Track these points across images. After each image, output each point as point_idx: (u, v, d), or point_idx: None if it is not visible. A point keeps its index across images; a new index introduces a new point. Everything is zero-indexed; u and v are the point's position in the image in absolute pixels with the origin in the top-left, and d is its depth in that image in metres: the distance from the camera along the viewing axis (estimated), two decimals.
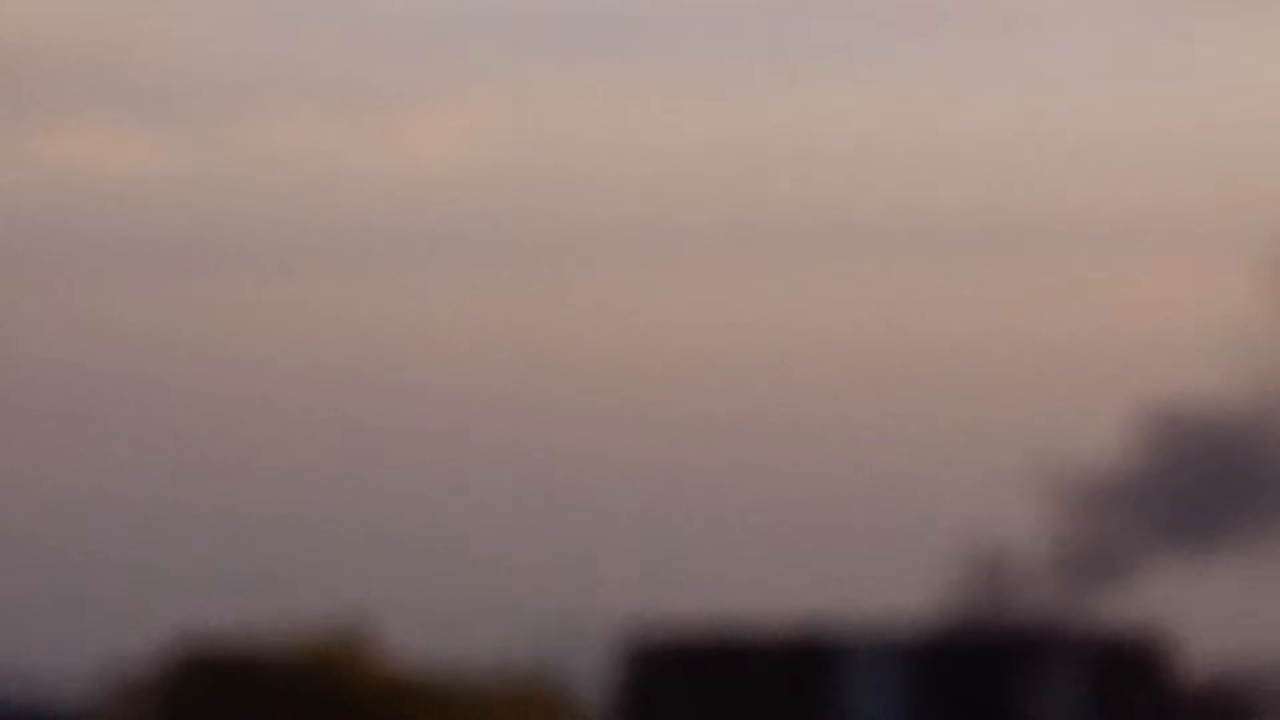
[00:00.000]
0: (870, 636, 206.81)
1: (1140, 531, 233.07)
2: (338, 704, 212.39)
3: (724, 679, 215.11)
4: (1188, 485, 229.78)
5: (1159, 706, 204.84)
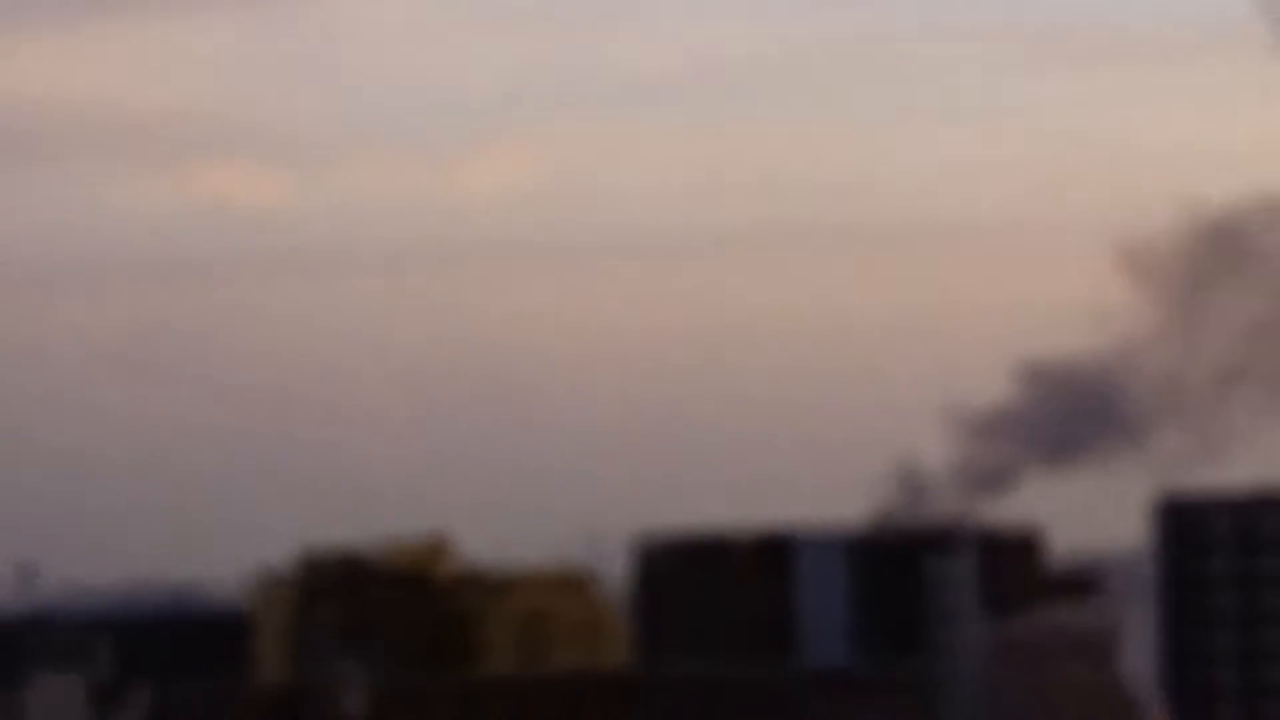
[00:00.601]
0: (818, 533, 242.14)
1: (1017, 453, 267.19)
2: (425, 591, 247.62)
3: (708, 567, 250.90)
4: (1052, 419, 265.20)
5: (1032, 584, 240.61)
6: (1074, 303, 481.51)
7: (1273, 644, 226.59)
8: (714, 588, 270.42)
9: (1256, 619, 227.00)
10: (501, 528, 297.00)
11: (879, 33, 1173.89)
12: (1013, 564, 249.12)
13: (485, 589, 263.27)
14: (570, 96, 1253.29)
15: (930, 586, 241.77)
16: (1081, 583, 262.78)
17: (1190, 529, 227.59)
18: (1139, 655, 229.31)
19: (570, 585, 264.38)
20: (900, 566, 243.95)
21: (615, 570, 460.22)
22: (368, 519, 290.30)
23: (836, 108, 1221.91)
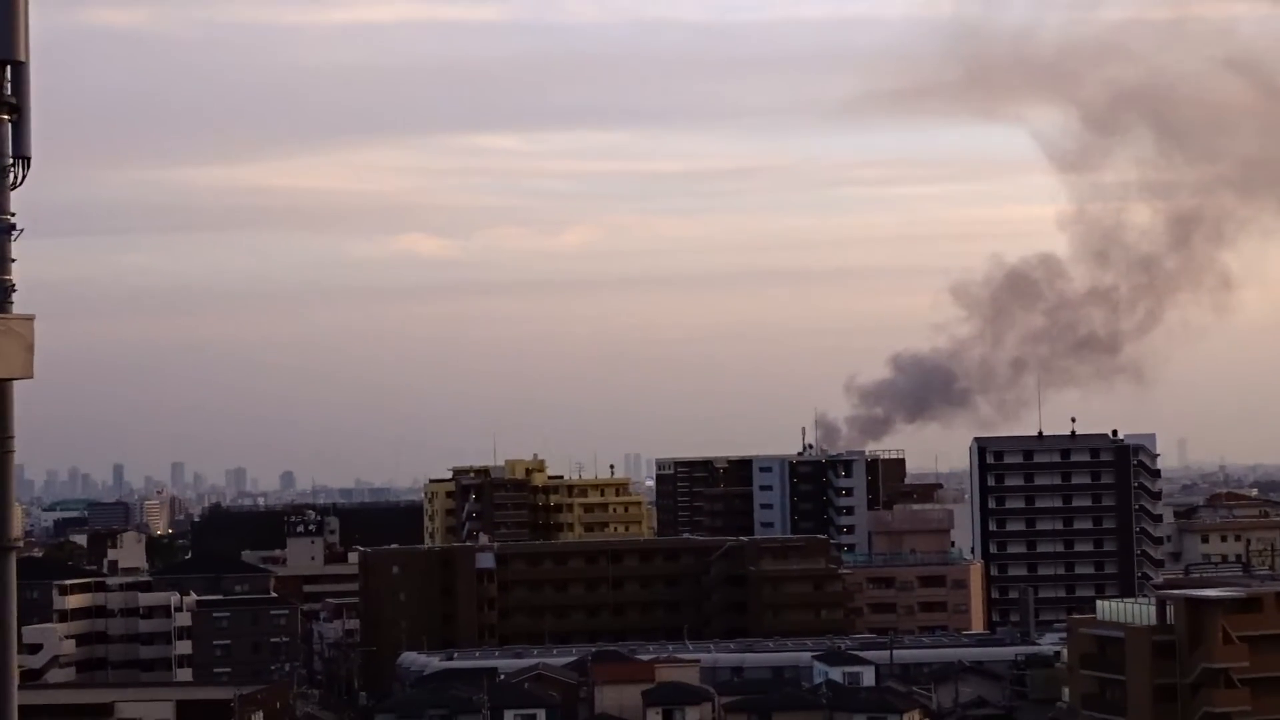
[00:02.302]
0: (770, 459, 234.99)
1: (892, 410, 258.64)
2: (531, 489, 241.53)
3: (702, 479, 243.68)
4: (914, 389, 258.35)
5: (898, 490, 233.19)
6: (928, 320, 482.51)
7: (1048, 529, 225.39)
8: (703, 491, 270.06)
9: (1035, 513, 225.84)
10: (576, 453, 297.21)
11: (813, 159, 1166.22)
12: (888, 479, 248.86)
13: (566, 489, 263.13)
14: (620, 194, 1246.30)
15: (834, 493, 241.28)
16: (924, 490, 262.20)
17: (994, 459, 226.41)
18: (963, 534, 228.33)
19: (617, 488, 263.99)
20: (817, 482, 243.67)
21: (644, 480, 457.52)
22: (495, 448, 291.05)
23: (784, 198, 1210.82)
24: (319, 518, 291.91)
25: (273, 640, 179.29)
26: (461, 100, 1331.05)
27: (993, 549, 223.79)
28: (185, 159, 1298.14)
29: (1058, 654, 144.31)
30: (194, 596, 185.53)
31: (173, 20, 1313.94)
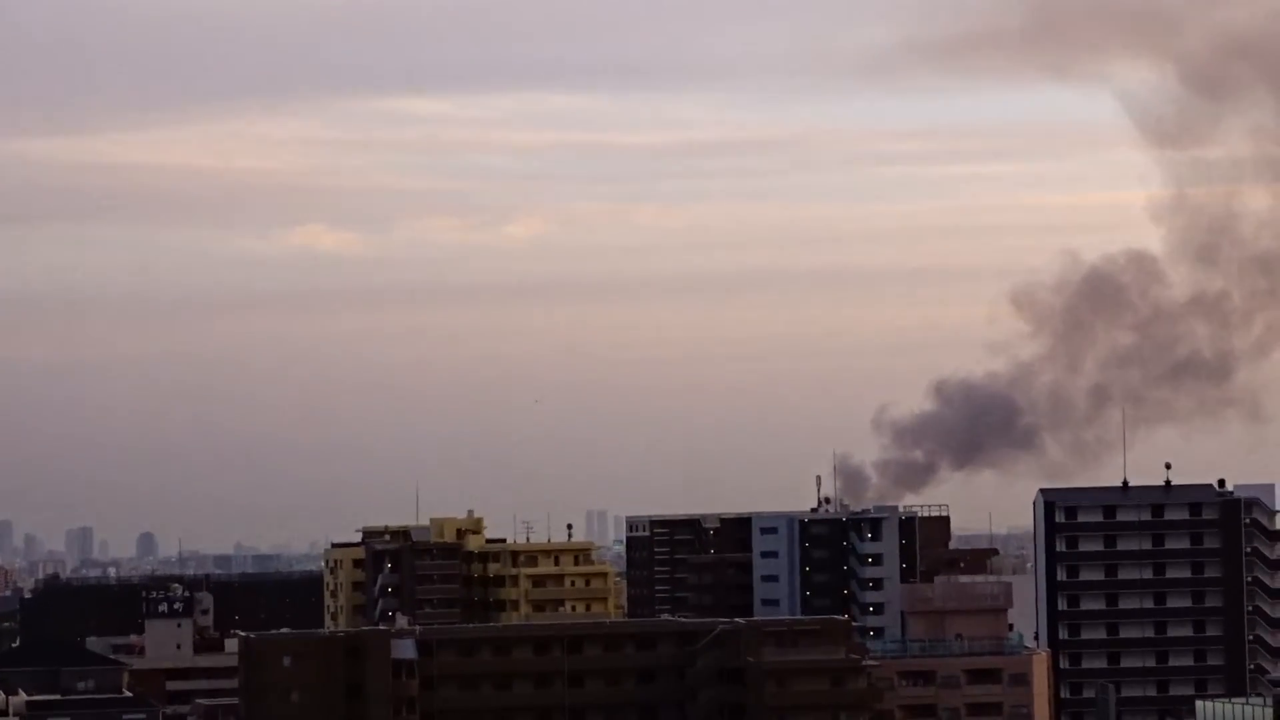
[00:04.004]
0: (775, 517, 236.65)
1: (935, 454, 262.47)
2: (464, 556, 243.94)
3: (686, 543, 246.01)
4: (963, 426, 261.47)
5: (941, 557, 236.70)
6: (979, 340, 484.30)
7: (1134, 608, 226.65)
8: (693, 558, 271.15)
9: (1118, 587, 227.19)
10: (522, 510, 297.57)
11: (833, 130, 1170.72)
12: (927, 541, 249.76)
13: (509, 556, 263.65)
14: (580, 174, 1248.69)
15: (861, 559, 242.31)
16: (979, 555, 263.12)
17: (1065, 518, 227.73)
18: (1024, 615, 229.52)
19: (576, 555, 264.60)
20: (838, 540, 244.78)
21: (610, 544, 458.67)
22: (418, 503, 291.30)
23: (795, 181, 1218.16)
24: (187, 593, 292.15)
25: None
26: (376, 53, 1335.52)
27: (1063, 634, 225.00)
28: (13, 127, 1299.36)
29: None
30: (24, 696, 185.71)
31: None
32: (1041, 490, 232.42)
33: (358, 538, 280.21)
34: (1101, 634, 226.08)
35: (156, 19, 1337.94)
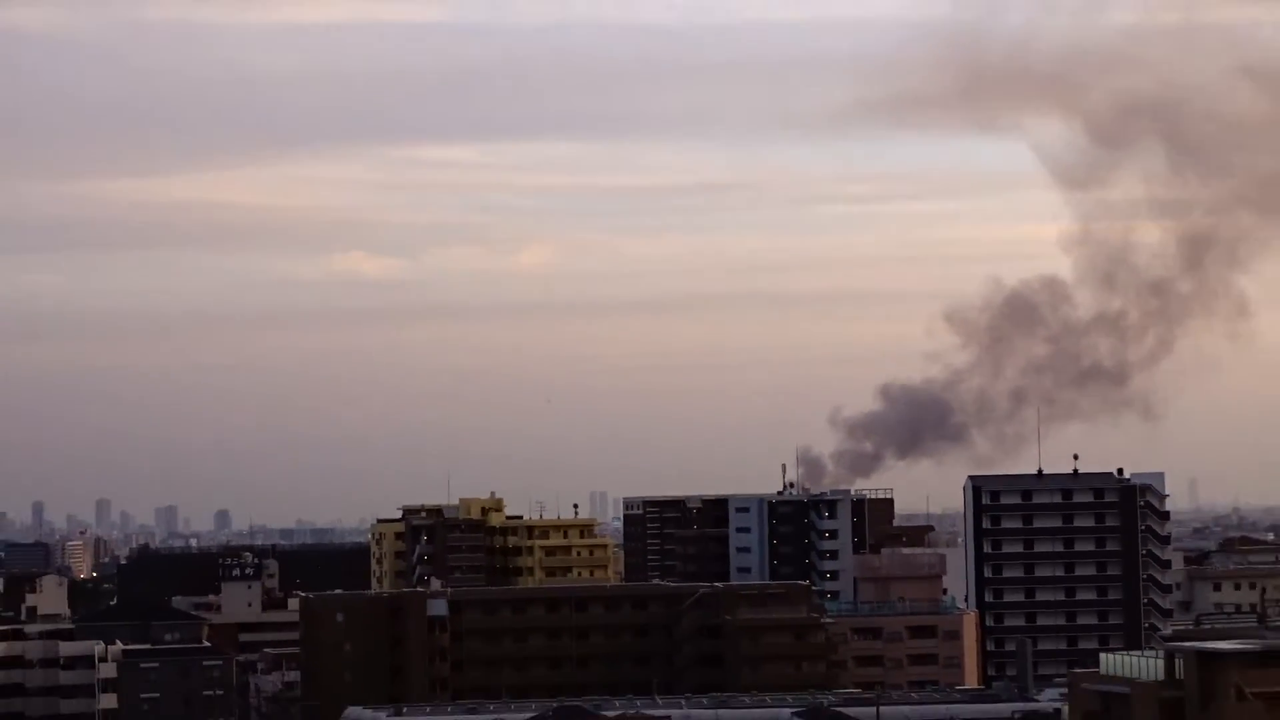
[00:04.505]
0: (748, 498, 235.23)
1: (882, 446, 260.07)
2: (488, 530, 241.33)
3: (673, 520, 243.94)
4: (904, 423, 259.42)
5: (887, 533, 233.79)
6: (920, 349, 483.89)
7: (1048, 575, 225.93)
8: (677, 532, 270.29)
9: (1034, 558, 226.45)
10: (536, 492, 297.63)
11: (791, 173, 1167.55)
12: (874, 520, 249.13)
13: (525, 530, 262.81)
14: (582, 210, 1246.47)
15: (818, 536, 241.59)
16: (907, 532, 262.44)
17: (990, 500, 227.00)
18: (956, 581, 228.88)
19: (581, 529, 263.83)
20: (799, 522, 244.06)
21: (610, 522, 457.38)
22: (449, 486, 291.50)
23: (762, 216, 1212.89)
24: (257, 560, 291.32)
25: (205, 694, 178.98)
26: (409, 108, 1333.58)
27: (988, 597, 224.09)
28: (100, 171, 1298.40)
29: (1058, 711, 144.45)
30: (120, 646, 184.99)
31: (90, 20, 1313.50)
32: (970, 477, 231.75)
33: (399, 515, 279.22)
34: (1021, 597, 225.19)
35: (221, 78, 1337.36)
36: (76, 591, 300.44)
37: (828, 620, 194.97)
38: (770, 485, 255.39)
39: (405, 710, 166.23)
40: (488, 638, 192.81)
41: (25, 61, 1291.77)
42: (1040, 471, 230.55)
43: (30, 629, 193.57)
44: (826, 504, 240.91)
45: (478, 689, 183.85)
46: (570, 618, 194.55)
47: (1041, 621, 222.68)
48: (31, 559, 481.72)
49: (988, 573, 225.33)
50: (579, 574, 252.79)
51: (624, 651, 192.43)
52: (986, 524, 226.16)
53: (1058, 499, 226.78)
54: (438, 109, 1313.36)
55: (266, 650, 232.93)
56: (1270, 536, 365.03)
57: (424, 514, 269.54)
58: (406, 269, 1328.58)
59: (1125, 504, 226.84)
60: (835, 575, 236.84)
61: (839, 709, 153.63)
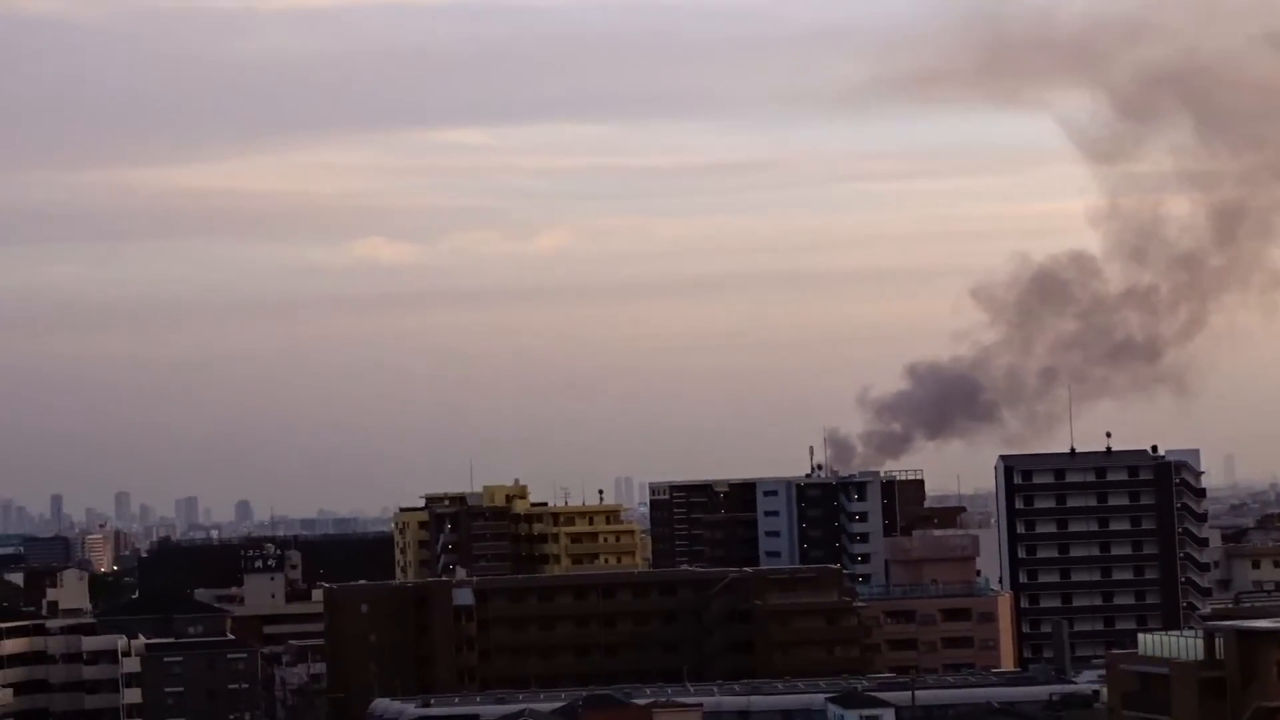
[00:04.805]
0: (776, 481, 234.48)
1: (912, 426, 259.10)
2: (512, 517, 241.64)
3: (700, 505, 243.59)
4: (933, 403, 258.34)
5: (917, 514, 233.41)
6: (948, 327, 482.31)
7: (1083, 555, 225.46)
8: (704, 517, 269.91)
9: (1069, 538, 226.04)
10: (561, 478, 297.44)
11: (815, 152, 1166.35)
12: (904, 500, 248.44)
13: (551, 517, 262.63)
14: (601, 193, 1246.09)
15: (848, 518, 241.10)
16: (938, 513, 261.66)
17: (1022, 480, 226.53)
18: (989, 563, 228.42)
19: (608, 516, 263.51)
20: (829, 504, 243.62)
21: (637, 507, 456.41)
22: (473, 473, 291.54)
23: (785, 196, 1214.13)
24: (279, 551, 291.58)
25: (230, 687, 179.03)
26: (424, 91, 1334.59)
27: (1022, 578, 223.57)
28: (119, 160, 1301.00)
29: (1096, 693, 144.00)
30: (143, 640, 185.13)
31: (100, 7, 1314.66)
32: (1001, 456, 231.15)
33: (422, 503, 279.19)
34: (1055, 578, 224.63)
35: (237, 64, 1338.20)
36: (97, 585, 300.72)
37: (859, 604, 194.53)
38: (798, 468, 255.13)
39: (433, 701, 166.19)
40: (514, 626, 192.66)
41: (43, 51, 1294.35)
42: (1073, 450, 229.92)
43: (52, 624, 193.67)
44: (856, 486, 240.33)
45: (505, 678, 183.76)
46: (598, 605, 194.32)
47: (1077, 602, 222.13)
48: (51, 553, 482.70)
49: (1021, 553, 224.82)
50: (606, 560, 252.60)
51: (653, 638, 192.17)
52: (1019, 504, 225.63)
53: (1091, 478, 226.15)
54: (455, 92, 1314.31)
55: (291, 642, 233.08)
56: None
57: (447, 502, 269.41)
58: (425, 254, 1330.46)
59: (1160, 481, 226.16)
60: (866, 558, 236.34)
61: (872, 694, 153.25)
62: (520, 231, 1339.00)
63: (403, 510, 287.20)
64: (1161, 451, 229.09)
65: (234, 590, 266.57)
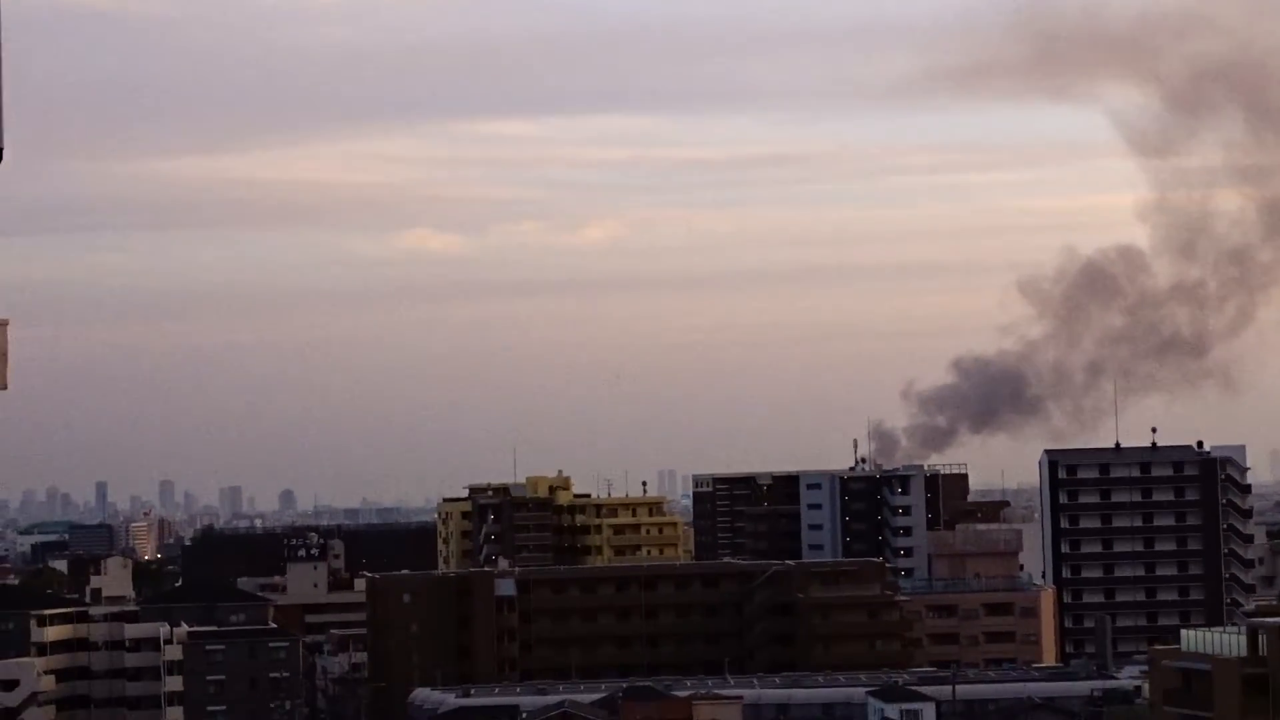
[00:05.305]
0: (819, 475, 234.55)
1: (956, 420, 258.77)
2: (555, 509, 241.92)
3: (743, 497, 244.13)
4: (978, 396, 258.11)
5: (961, 508, 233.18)
6: (993, 321, 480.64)
7: (1127, 551, 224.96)
8: (747, 510, 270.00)
9: (1113, 533, 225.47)
10: (604, 469, 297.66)
11: (863, 144, 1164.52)
12: (949, 495, 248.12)
13: (593, 509, 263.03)
14: (647, 185, 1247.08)
15: (893, 513, 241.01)
16: (992, 506, 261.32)
17: (1066, 474, 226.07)
18: (1033, 557, 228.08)
19: (650, 508, 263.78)
20: (873, 498, 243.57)
21: (680, 499, 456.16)
22: (516, 464, 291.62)
23: (831, 189, 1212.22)
24: (322, 541, 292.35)
25: (272, 675, 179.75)
26: (472, 83, 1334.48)
27: (1065, 573, 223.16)
28: (167, 150, 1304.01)
29: (1138, 689, 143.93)
30: (185, 628, 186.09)
31: None
32: (1046, 451, 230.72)
33: (465, 494, 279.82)
34: (1099, 573, 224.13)
35: (286, 54, 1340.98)
36: (141, 573, 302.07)
37: (902, 598, 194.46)
38: (842, 461, 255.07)
39: (474, 691, 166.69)
40: (556, 617, 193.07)
41: (92, 41, 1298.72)
42: (1118, 445, 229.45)
43: (95, 611, 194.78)
44: (899, 480, 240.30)
45: (547, 669, 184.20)
46: (639, 597, 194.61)
47: (1120, 598, 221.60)
48: (96, 541, 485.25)
49: (1065, 548, 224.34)
50: (648, 552, 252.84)
51: (694, 630, 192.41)
52: (1063, 499, 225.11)
53: (1136, 473, 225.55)
54: (503, 83, 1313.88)
55: (333, 631, 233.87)
56: None
57: (490, 493, 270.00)
58: (472, 245, 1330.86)
59: (1205, 477, 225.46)
60: (909, 552, 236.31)
61: (914, 688, 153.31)
62: (567, 223, 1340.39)
63: (446, 500, 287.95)
64: (1207, 447, 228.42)
65: (276, 579, 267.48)
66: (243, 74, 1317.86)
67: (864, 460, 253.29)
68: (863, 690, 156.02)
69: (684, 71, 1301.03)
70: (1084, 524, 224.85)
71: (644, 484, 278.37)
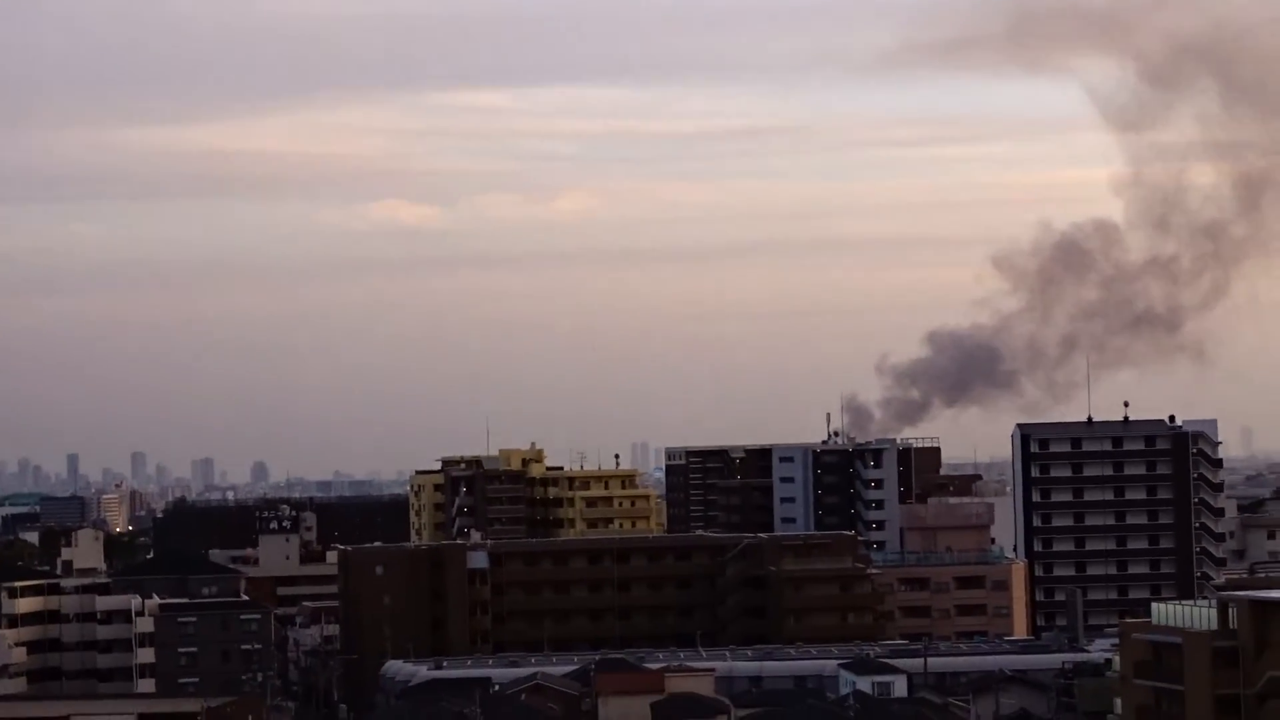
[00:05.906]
0: (792, 448, 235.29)
1: (930, 393, 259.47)
2: (528, 481, 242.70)
3: (716, 470, 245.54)
4: (952, 370, 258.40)
5: (933, 482, 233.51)
6: (967, 295, 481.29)
7: (1098, 525, 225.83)
8: (721, 482, 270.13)
9: (1084, 507, 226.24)
10: (577, 442, 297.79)
11: (837, 118, 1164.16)
12: (920, 468, 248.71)
13: (566, 481, 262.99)
14: (621, 156, 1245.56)
15: (865, 485, 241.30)
16: (963, 481, 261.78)
17: (1039, 448, 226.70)
18: (1004, 531, 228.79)
19: (623, 480, 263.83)
20: (846, 471, 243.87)
21: (652, 473, 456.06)
22: (489, 436, 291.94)
23: (806, 162, 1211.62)
24: (294, 513, 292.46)
25: (244, 647, 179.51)
26: (445, 52, 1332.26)
27: (1037, 547, 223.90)
28: (138, 120, 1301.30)
29: (1108, 662, 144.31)
30: (157, 600, 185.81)
31: None
32: (1019, 424, 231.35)
33: (438, 466, 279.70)
34: (1070, 546, 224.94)
35: (258, 25, 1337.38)
36: (112, 545, 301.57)
37: (873, 571, 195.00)
38: (815, 434, 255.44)
39: (446, 663, 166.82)
40: (529, 590, 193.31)
41: (62, 11, 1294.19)
42: (1090, 419, 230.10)
43: (67, 583, 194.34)
44: (872, 453, 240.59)
45: (519, 641, 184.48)
46: (612, 569, 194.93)
47: (1091, 571, 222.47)
48: (67, 513, 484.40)
49: (1036, 522, 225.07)
50: (621, 525, 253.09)
51: (667, 603, 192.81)
52: (1035, 472, 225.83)
53: (1108, 447, 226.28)
54: (477, 54, 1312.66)
55: (305, 604, 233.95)
56: None
57: (463, 465, 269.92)
58: (444, 216, 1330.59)
59: (1177, 451, 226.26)
60: (881, 525, 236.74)
61: (886, 660, 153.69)
62: (541, 195, 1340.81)
63: (418, 473, 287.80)
64: (1179, 421, 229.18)
65: (249, 551, 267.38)
66: (215, 44, 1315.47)
67: (837, 433, 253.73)
68: (835, 663, 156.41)
69: (659, 43, 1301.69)
70: (1056, 497, 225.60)
71: (616, 457, 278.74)
